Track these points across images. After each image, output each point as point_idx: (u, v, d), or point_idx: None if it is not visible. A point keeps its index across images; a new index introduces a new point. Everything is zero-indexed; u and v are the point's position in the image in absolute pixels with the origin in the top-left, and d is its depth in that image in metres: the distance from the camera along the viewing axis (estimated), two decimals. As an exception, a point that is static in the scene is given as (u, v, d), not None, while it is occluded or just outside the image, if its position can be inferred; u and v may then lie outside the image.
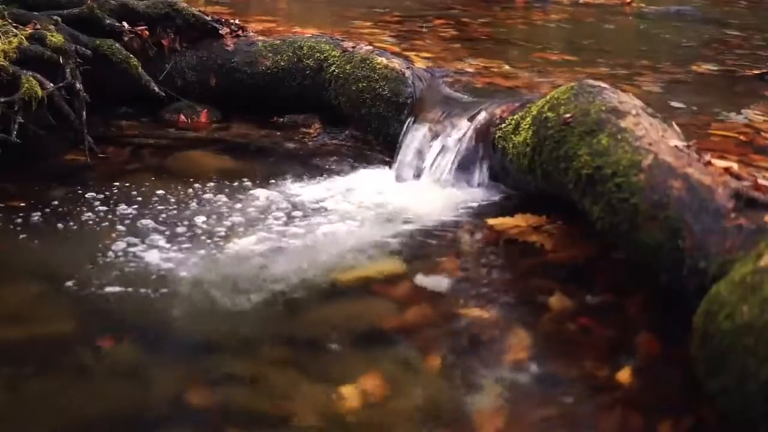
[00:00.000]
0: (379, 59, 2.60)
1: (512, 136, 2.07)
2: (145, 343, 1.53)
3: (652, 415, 1.33)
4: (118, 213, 2.04)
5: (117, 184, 2.23)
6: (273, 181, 2.29)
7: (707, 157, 1.59)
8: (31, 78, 2.28)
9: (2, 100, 2.22)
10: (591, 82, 1.94)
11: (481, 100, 2.38)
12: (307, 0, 4.83)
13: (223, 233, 1.95)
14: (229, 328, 1.58)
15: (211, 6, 3.96)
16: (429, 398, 1.38)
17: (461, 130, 2.28)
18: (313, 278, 1.76)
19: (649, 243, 1.51)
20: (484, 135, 2.23)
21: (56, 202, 2.09)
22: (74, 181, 2.22)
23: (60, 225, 1.96)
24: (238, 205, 2.12)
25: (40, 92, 2.28)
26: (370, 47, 2.72)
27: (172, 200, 2.12)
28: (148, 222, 1.99)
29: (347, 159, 2.50)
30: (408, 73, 2.57)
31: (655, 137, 1.67)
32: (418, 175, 2.30)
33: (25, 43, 2.37)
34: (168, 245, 1.88)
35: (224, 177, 2.32)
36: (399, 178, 2.33)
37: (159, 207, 2.08)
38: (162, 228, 1.96)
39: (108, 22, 2.64)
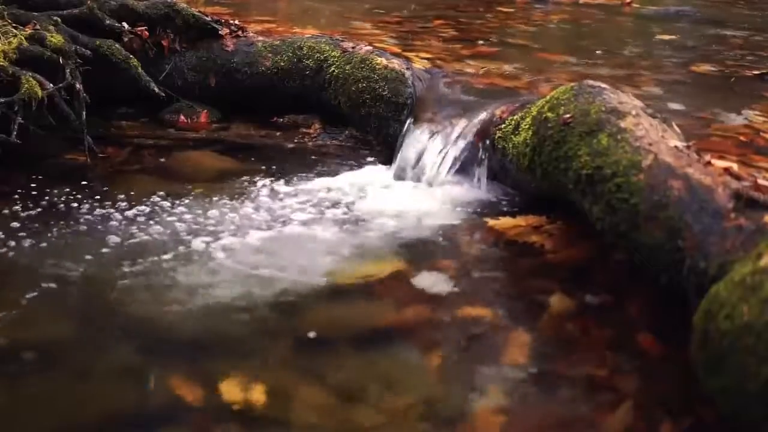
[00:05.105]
0: (379, 60, 2.60)
1: (512, 136, 2.07)
2: (145, 343, 1.53)
3: (652, 415, 1.33)
4: (117, 213, 2.04)
5: (116, 184, 2.23)
6: (273, 181, 2.29)
7: (707, 157, 1.59)
8: (30, 78, 2.28)
9: (2, 100, 2.22)
10: (591, 82, 1.94)
11: (481, 101, 2.38)
12: (307, 0, 4.83)
13: (222, 234, 1.95)
14: (228, 328, 1.58)
15: (211, 6, 3.96)
16: (428, 398, 1.38)
17: (461, 131, 2.29)
18: (312, 278, 1.76)
19: (649, 243, 1.51)
20: (483, 135, 2.23)
21: (56, 202, 2.09)
22: (74, 181, 2.22)
23: (59, 225, 1.96)
24: (238, 206, 2.12)
25: (39, 93, 2.27)
26: (370, 47, 2.72)
27: (172, 201, 2.12)
28: (147, 222, 1.99)
29: (347, 159, 2.50)
30: (408, 73, 2.57)
31: (655, 138, 1.67)
32: (418, 176, 2.30)
33: (25, 43, 2.37)
34: (168, 246, 1.88)
35: (224, 177, 2.32)
36: (399, 178, 2.33)
37: (158, 207, 2.08)
38: (161, 229, 1.96)
39: (108, 22, 2.64)
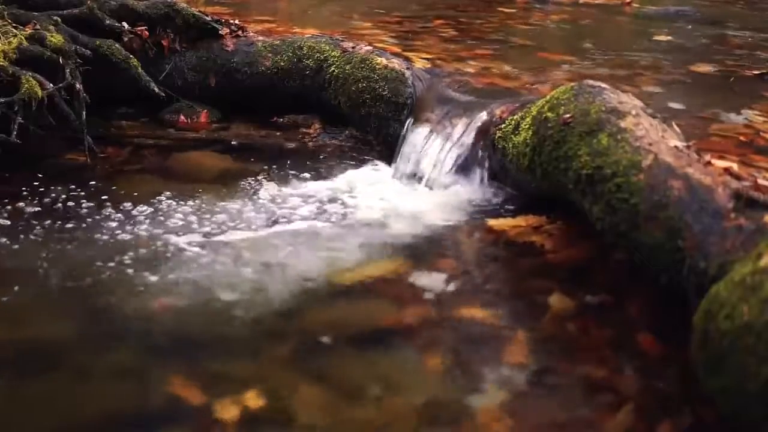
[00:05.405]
0: (379, 59, 2.60)
1: (512, 136, 2.07)
2: (145, 343, 1.53)
3: (652, 415, 1.33)
4: (117, 213, 2.04)
5: (117, 184, 2.23)
6: (272, 181, 2.29)
7: (707, 157, 1.59)
8: (30, 78, 2.28)
9: (2, 100, 2.22)
10: (591, 82, 1.93)
11: (481, 101, 2.38)
12: (307, 0, 4.83)
13: (222, 234, 1.95)
14: (228, 327, 1.58)
15: (211, 6, 3.95)
16: (429, 398, 1.38)
17: (461, 131, 2.29)
18: (313, 278, 1.76)
19: (649, 243, 1.51)
20: (483, 135, 2.23)
21: (56, 202, 2.09)
22: (74, 181, 2.22)
23: (59, 225, 1.96)
24: (238, 206, 2.12)
25: (39, 93, 2.28)
26: (370, 47, 2.72)
27: (172, 201, 2.12)
28: (146, 222, 1.99)
29: (347, 159, 2.50)
30: (408, 73, 2.57)
31: (655, 137, 1.67)
32: (418, 176, 2.30)
33: (25, 43, 2.37)
34: (167, 246, 1.88)
35: (224, 177, 2.32)
36: (399, 178, 2.33)
37: (159, 207, 2.08)
38: (162, 228, 1.96)
39: (108, 22, 2.64)
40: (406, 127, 2.44)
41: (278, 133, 2.70)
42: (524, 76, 2.77)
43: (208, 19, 2.83)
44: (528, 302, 1.71)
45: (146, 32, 2.71)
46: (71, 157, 2.42)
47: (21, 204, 2.07)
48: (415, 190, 2.26)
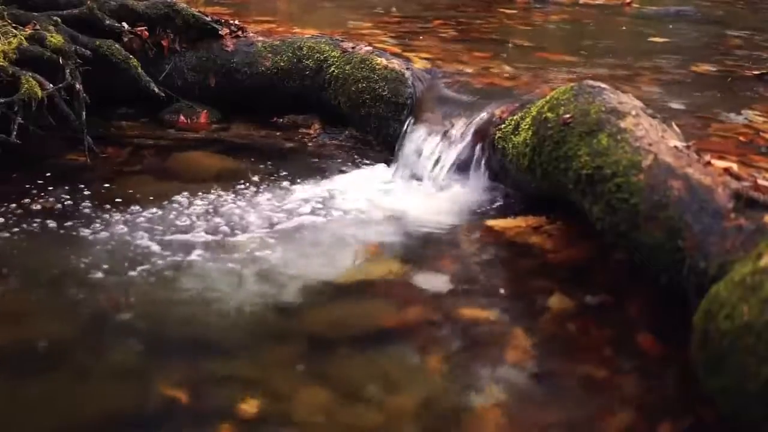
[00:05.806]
0: (379, 60, 2.60)
1: (512, 136, 2.07)
2: (145, 342, 1.53)
3: (652, 415, 1.33)
4: (117, 213, 2.04)
5: (116, 184, 2.23)
6: (272, 181, 2.29)
7: (707, 157, 1.59)
8: (30, 79, 2.28)
9: (2, 100, 2.22)
10: (591, 82, 1.93)
11: (481, 101, 2.38)
12: (307, 0, 4.83)
13: (222, 234, 1.95)
14: (228, 328, 1.58)
15: (211, 6, 3.95)
16: (429, 398, 1.38)
17: (461, 131, 2.29)
18: (312, 279, 1.76)
19: (649, 243, 1.51)
20: (483, 135, 2.23)
21: (56, 202, 2.09)
22: (74, 181, 2.22)
23: (59, 225, 1.96)
24: (237, 206, 2.11)
25: (39, 93, 2.28)
26: (370, 48, 2.72)
27: (172, 201, 2.12)
28: (146, 223, 1.99)
29: (347, 159, 2.50)
30: (407, 73, 2.57)
31: (655, 138, 1.67)
32: (417, 176, 2.30)
33: (25, 43, 2.37)
34: (167, 246, 1.87)
35: (224, 178, 2.32)
36: (399, 178, 2.33)
37: (158, 207, 2.08)
38: (161, 229, 1.96)
39: (108, 22, 2.64)
40: (405, 127, 2.44)
41: (278, 134, 2.70)
42: (524, 76, 2.77)
43: (208, 19, 2.83)
44: (528, 302, 1.71)
45: (146, 32, 2.71)
46: (71, 158, 2.42)
47: (21, 204, 2.06)
48: (415, 191, 2.26)
